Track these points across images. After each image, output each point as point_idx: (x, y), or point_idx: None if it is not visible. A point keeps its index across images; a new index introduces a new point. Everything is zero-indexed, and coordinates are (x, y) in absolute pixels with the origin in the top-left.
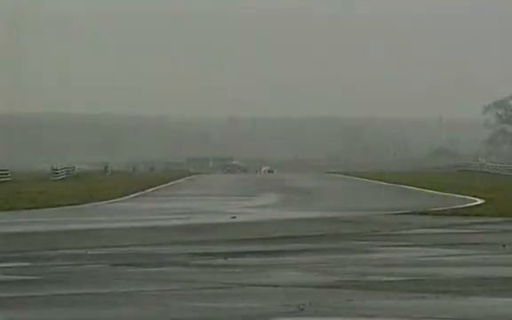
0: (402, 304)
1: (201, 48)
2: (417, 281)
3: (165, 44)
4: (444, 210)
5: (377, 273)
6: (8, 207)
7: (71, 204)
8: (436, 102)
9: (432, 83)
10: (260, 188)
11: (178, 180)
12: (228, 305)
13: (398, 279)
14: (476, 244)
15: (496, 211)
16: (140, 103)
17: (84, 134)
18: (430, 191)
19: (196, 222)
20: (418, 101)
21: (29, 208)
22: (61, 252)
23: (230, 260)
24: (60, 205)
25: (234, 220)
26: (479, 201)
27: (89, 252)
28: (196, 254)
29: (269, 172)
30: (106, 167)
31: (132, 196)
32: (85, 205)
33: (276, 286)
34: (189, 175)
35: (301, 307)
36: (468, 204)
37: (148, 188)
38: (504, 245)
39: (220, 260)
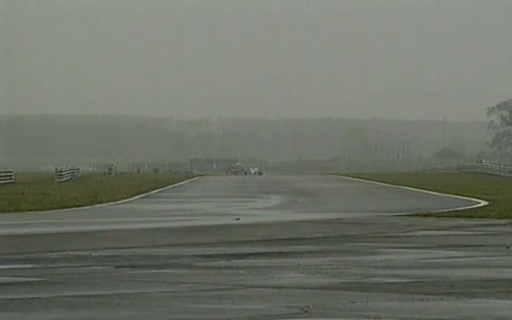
0: (406, 306)
1: (204, 49)
2: (421, 283)
3: (169, 44)
4: (448, 211)
5: (381, 275)
6: (12, 209)
7: (75, 206)
8: (440, 103)
9: (436, 84)
10: (263, 189)
11: (182, 182)
12: (231, 306)
13: (402, 281)
14: (481, 245)
15: (500, 212)
16: (144, 105)
17: (88, 136)
18: (434, 193)
19: (199, 224)
20: (421, 102)
21: (33, 210)
22: (65, 253)
23: (234, 262)
24: (64, 207)
25: (238, 221)
26: (483, 203)
27: (93, 254)
28: (199, 256)
29: (259, 174)
30: (110, 169)
31: (137, 197)
32: (89, 207)
33: (280, 288)
34: (193, 177)
35: (305, 308)
36: (472, 206)
37: (153, 190)
38: (508, 247)
39: (224, 262)
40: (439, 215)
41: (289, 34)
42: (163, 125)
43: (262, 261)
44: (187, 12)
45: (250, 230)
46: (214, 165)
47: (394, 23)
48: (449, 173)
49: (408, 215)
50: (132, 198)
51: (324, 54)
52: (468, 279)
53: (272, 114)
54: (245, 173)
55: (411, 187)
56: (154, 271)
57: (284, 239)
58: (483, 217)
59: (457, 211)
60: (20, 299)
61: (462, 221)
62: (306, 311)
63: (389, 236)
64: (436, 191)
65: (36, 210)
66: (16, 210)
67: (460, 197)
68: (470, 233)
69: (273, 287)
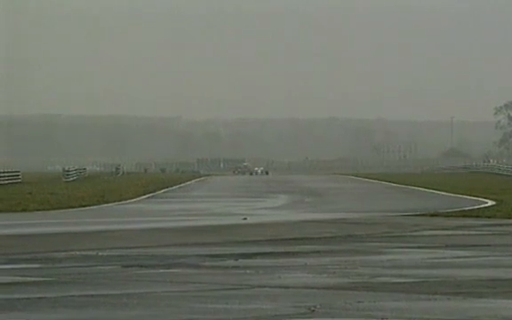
0: (412, 305)
1: (212, 49)
2: (428, 283)
3: (175, 44)
4: (455, 211)
5: (387, 274)
6: (19, 209)
7: (82, 206)
8: (447, 103)
9: (443, 84)
10: (270, 189)
11: (188, 182)
12: (238, 306)
13: (409, 281)
14: (488, 245)
15: (507, 212)
16: (152, 104)
17: (95, 136)
18: (441, 193)
19: (206, 224)
20: (428, 102)
21: (41, 209)
22: (72, 253)
23: (241, 262)
24: (71, 207)
25: (245, 221)
26: (490, 202)
27: (100, 254)
28: (206, 256)
29: (266, 173)
30: (117, 168)
31: (144, 197)
32: (96, 207)
33: (287, 288)
34: (200, 177)
35: (312, 308)
36: (480, 206)
37: (159, 190)
38: None
39: (231, 262)
40: (446, 215)
41: (296, 34)
42: (170, 125)
43: (269, 261)
44: (193, 12)
45: (257, 230)
46: (221, 165)
47: (401, 23)
48: (456, 173)
49: (415, 215)
50: (138, 198)
51: (331, 54)
52: (475, 279)
53: (279, 114)
54: (251, 173)
55: (417, 186)
56: (161, 271)
57: (290, 239)
58: (490, 217)
59: (464, 210)
60: (28, 298)
61: (469, 221)
62: (313, 311)
63: (396, 236)
64: (443, 191)
65: (44, 209)
66: (24, 210)
67: (467, 197)
68: (477, 233)
69: (280, 287)
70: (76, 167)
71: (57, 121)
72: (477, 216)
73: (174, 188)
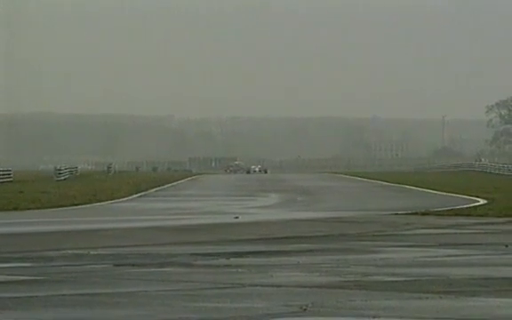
0: (405, 304)
1: (204, 47)
2: (420, 281)
3: (167, 43)
4: (447, 210)
5: (380, 273)
6: (11, 207)
7: (74, 205)
8: (439, 102)
9: (435, 82)
10: (262, 188)
11: (180, 181)
12: (230, 305)
13: (401, 279)
14: (479, 244)
15: (499, 211)
16: (143, 103)
17: (87, 134)
18: (433, 191)
19: (198, 223)
20: (420, 101)
21: (32, 208)
22: (64, 252)
23: (233, 261)
24: (62, 205)
25: (237, 220)
26: (482, 201)
27: (92, 253)
28: (198, 254)
29: (264, 172)
30: (109, 167)
31: (135, 196)
32: (88, 205)
33: (279, 286)
34: (192, 175)
35: (304, 307)
36: (471, 205)
37: (151, 189)
38: (507, 245)
39: (223, 261)
40: (438, 213)
41: (289, 33)
42: (163, 124)
43: (261, 260)
44: (185, 11)
45: (249, 229)
46: (213, 164)
47: (393, 23)
48: (448, 172)
49: (407, 214)
50: (130, 197)
51: (324, 53)
52: (467, 278)
53: (272, 112)
54: (248, 172)
55: (410, 185)
56: (153, 270)
57: (283, 238)
58: (481, 215)
59: (456, 209)
60: (19, 297)
61: (461, 220)
62: (305, 310)
63: (388, 235)
64: (435, 190)
65: (35, 208)
66: (15, 208)
67: (459, 196)
68: (469, 231)
69: (272, 286)
70: (68, 166)
71: (49, 120)
72: (469, 215)
73: (166, 186)
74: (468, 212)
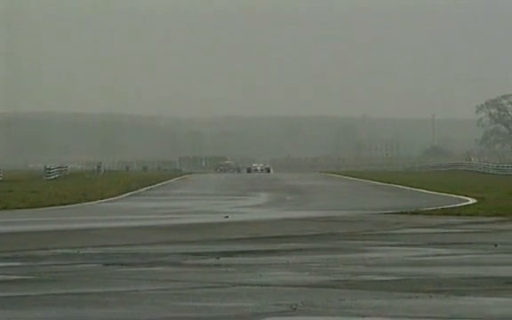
0: (394, 304)
1: (194, 47)
2: (410, 280)
3: (157, 43)
4: (437, 209)
5: (369, 272)
6: (0, 206)
7: (64, 204)
8: (429, 102)
9: (425, 82)
10: (252, 187)
11: (171, 180)
12: (220, 304)
13: (391, 279)
14: (469, 243)
15: (488, 210)
16: (134, 103)
17: (77, 134)
18: (423, 190)
19: (188, 222)
20: (411, 101)
21: (22, 208)
22: (54, 251)
23: (223, 260)
24: (52, 205)
25: (226, 219)
26: (471, 200)
27: (81, 252)
28: (188, 254)
29: (267, 171)
30: (99, 166)
31: (125, 195)
32: (78, 205)
33: (269, 286)
34: (182, 175)
35: (294, 306)
36: (461, 204)
37: (141, 188)
38: (496, 245)
39: (213, 260)
40: (428, 213)
41: (278, 33)
42: (153, 123)
43: (251, 259)
44: (173, 12)
45: (238, 228)
46: (203, 163)
47: (383, 23)
48: (438, 171)
49: (397, 213)
50: (120, 196)
51: (315, 53)
52: (456, 277)
53: (262, 112)
54: (249, 171)
55: (400, 184)
56: (143, 269)
57: (272, 237)
58: (471, 215)
59: (446, 208)
60: (9, 297)
61: (451, 219)
62: (294, 309)
63: (378, 234)
64: (425, 189)
65: (25, 207)
66: (4, 208)
67: (449, 195)
68: (459, 231)
69: (262, 285)
70: (58, 165)
71: (39, 119)
72: (459, 214)
73: (156, 185)
74: (457, 212)
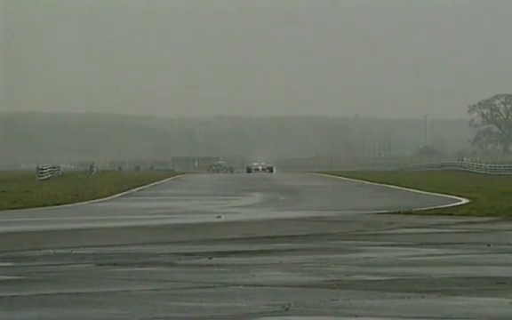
0: (387, 304)
1: (188, 47)
2: (402, 280)
3: (149, 42)
4: (429, 209)
5: (362, 272)
6: None
7: (56, 204)
8: (422, 101)
9: (417, 82)
10: (245, 187)
11: (163, 180)
12: (213, 304)
13: (383, 279)
14: (461, 243)
15: (481, 210)
16: (126, 103)
17: (71, 134)
18: (415, 190)
19: (180, 222)
20: (403, 101)
21: (14, 208)
22: (46, 251)
23: (215, 260)
24: (44, 205)
25: (219, 219)
26: (464, 200)
27: (74, 252)
28: (181, 254)
29: (269, 170)
30: (91, 167)
31: (118, 195)
32: (70, 205)
33: (261, 286)
34: (175, 175)
35: (286, 306)
36: (453, 204)
37: (134, 188)
38: (489, 245)
39: (205, 260)
40: (420, 213)
41: (273, 32)
42: (146, 123)
43: (244, 259)
44: (169, 11)
45: (231, 228)
46: (196, 163)
47: (376, 23)
48: (430, 171)
49: (389, 213)
50: (113, 196)
51: (308, 53)
52: (449, 277)
53: (255, 112)
54: (249, 170)
55: (392, 184)
56: (135, 269)
57: (265, 237)
58: (464, 215)
59: (438, 208)
60: (1, 297)
61: (443, 219)
62: (287, 309)
63: (371, 234)
64: (418, 189)
65: (17, 208)
66: None
67: (442, 195)
68: (451, 231)
69: (254, 285)
70: (50, 165)
71: (31, 119)
72: (451, 214)
73: (149, 186)
74: (450, 212)
